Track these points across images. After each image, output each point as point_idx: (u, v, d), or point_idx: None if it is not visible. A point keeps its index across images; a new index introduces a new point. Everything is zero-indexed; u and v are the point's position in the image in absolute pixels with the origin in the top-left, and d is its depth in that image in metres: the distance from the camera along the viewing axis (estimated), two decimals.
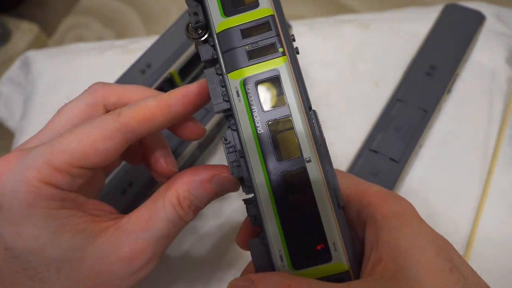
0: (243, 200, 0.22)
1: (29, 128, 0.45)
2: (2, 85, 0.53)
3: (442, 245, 0.20)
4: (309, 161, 0.20)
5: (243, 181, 0.22)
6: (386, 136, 0.36)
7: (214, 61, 0.22)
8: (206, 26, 0.22)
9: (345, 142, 0.40)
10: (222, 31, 0.21)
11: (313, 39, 0.47)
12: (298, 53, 0.22)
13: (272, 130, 0.21)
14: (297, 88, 0.21)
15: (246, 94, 0.21)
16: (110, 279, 0.21)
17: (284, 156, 0.20)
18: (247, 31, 0.21)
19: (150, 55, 0.42)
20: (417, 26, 0.46)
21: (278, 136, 0.21)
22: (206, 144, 0.39)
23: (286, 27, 0.22)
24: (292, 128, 0.20)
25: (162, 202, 0.22)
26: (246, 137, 0.21)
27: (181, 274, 0.35)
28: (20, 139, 0.45)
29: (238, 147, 0.21)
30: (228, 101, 0.21)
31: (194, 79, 0.43)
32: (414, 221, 0.21)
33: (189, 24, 0.23)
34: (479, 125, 0.40)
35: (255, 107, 0.21)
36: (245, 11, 0.21)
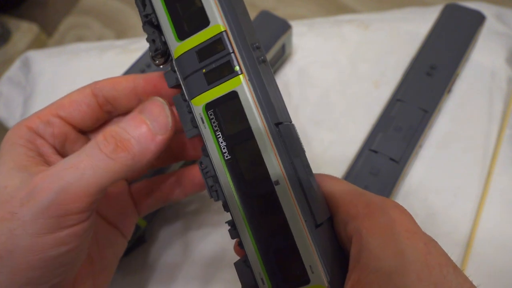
0: (226, 222, 0.21)
1: None
2: (2, 85, 0.53)
3: (432, 265, 0.17)
4: (277, 183, 0.19)
5: (225, 206, 0.21)
6: (386, 136, 0.36)
7: (179, 87, 0.22)
8: (166, 52, 0.21)
9: (345, 142, 0.40)
10: (179, 56, 0.21)
11: (313, 39, 0.47)
12: (264, 61, 0.21)
13: (238, 155, 0.20)
14: (258, 107, 0.19)
15: (210, 120, 0.20)
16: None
17: (252, 181, 0.20)
18: (202, 53, 0.20)
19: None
20: (417, 26, 0.46)
21: (245, 160, 0.20)
22: None
23: (247, 38, 0.20)
24: (258, 150, 0.19)
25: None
26: (216, 163, 0.20)
27: (181, 274, 0.35)
28: None
29: (213, 172, 0.21)
30: (197, 127, 0.21)
31: None
32: (401, 237, 0.18)
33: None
34: (479, 125, 0.40)
35: (219, 132, 0.20)
36: (197, 31, 0.20)
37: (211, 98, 0.20)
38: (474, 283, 0.18)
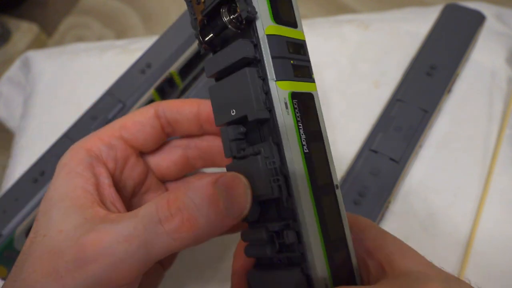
0: (249, 222, 0.20)
1: (29, 128, 0.45)
2: (2, 85, 0.53)
3: None
4: (337, 187, 0.20)
5: (280, 201, 0.19)
6: (386, 136, 0.36)
7: (248, 62, 0.20)
8: (250, 19, 0.20)
9: (345, 142, 0.40)
10: (272, 35, 0.20)
11: (313, 39, 0.47)
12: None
13: (314, 151, 0.20)
14: (321, 116, 0.21)
15: (294, 108, 0.19)
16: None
17: (321, 180, 0.20)
18: (292, 46, 0.20)
19: (150, 55, 0.42)
20: (417, 26, 0.46)
21: (318, 158, 0.20)
22: None
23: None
24: (325, 153, 0.20)
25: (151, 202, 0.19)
26: (293, 153, 0.19)
27: (181, 275, 0.35)
28: (20, 139, 0.45)
29: (278, 163, 0.19)
30: (271, 110, 0.19)
31: (194, 79, 0.44)
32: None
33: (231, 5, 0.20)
34: (479, 125, 0.40)
35: (300, 124, 0.19)
36: (288, 26, 0.20)
37: (297, 89, 0.20)
38: (473, 283, 0.18)
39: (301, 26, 0.21)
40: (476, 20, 0.41)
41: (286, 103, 0.19)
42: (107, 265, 0.17)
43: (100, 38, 1.10)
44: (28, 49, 0.83)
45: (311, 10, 1.06)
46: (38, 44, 1.06)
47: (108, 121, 0.38)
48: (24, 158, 0.43)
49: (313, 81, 0.21)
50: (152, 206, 0.18)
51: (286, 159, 0.19)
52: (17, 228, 0.34)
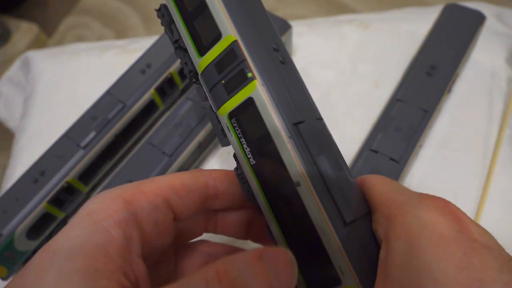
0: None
1: (29, 128, 0.45)
2: (2, 85, 0.53)
3: (466, 284, 0.14)
4: (298, 184, 0.19)
5: (259, 210, 0.21)
6: (386, 136, 0.36)
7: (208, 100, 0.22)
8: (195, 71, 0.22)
9: (345, 142, 0.40)
10: (203, 71, 0.21)
11: (313, 39, 0.47)
12: (284, 62, 0.21)
13: (262, 159, 0.20)
14: (274, 110, 0.19)
15: (234, 128, 0.20)
16: None
17: (278, 184, 0.20)
18: (219, 65, 0.21)
19: (150, 55, 0.42)
20: (417, 26, 0.46)
21: (269, 164, 0.20)
22: (206, 144, 0.39)
23: (262, 42, 0.21)
24: (278, 152, 0.19)
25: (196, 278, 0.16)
26: (244, 168, 0.21)
27: None
28: (20, 139, 0.45)
29: (243, 175, 0.21)
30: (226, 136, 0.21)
31: None
32: (429, 245, 0.15)
33: None
34: (479, 125, 0.40)
35: (243, 139, 0.20)
36: (213, 45, 0.21)
37: (232, 107, 0.20)
38: None
39: (226, 28, 0.20)
40: (476, 20, 0.41)
41: (227, 127, 0.21)
42: None
43: (100, 38, 1.10)
44: (28, 49, 0.83)
45: (311, 10, 1.06)
46: (38, 44, 1.06)
47: (108, 121, 0.38)
48: (24, 158, 0.43)
49: (250, 81, 0.20)
50: (200, 277, 0.15)
51: (244, 173, 0.21)
52: (17, 228, 0.34)
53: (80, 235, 0.16)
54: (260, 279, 0.16)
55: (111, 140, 0.39)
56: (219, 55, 0.20)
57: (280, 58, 0.21)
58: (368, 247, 0.19)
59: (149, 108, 0.41)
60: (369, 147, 0.35)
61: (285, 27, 0.41)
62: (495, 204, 0.36)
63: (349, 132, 0.41)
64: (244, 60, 0.20)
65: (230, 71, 0.20)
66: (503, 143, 0.38)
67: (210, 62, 0.21)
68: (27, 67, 0.52)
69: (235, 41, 0.20)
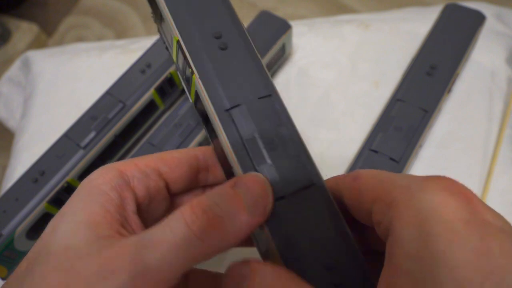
0: None
1: (29, 128, 0.45)
2: (2, 85, 0.53)
3: (487, 271, 0.13)
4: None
5: None
6: (386, 136, 0.36)
7: None
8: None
9: (345, 142, 0.40)
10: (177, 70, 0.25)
11: (313, 39, 0.47)
12: (225, 48, 0.22)
13: (214, 139, 0.21)
14: (207, 99, 0.20)
15: (199, 112, 0.23)
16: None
17: (223, 157, 0.21)
18: (183, 64, 0.22)
19: (150, 55, 0.42)
20: (417, 26, 0.46)
21: (216, 143, 0.21)
22: (206, 144, 0.39)
23: (204, 33, 0.22)
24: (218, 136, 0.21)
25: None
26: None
27: None
28: (20, 139, 0.45)
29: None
30: None
31: None
32: (440, 230, 0.14)
33: None
34: (479, 125, 0.40)
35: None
36: (172, 47, 0.23)
37: (194, 99, 0.22)
38: None
39: (172, 27, 0.22)
40: (476, 20, 0.41)
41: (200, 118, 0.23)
42: (134, 273, 0.16)
43: (100, 38, 1.10)
44: (28, 49, 0.83)
45: (311, 10, 1.06)
46: (38, 44, 1.06)
47: (108, 121, 0.38)
48: (24, 158, 0.43)
49: (191, 75, 0.21)
50: (177, 213, 0.17)
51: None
52: (17, 228, 0.34)
53: (80, 199, 0.19)
54: (233, 202, 0.18)
55: (111, 140, 0.39)
56: (177, 55, 0.22)
57: (221, 45, 0.22)
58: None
59: (149, 108, 0.41)
60: (369, 147, 0.35)
61: (285, 27, 0.41)
62: (495, 204, 0.36)
63: (349, 132, 0.41)
64: (185, 57, 0.21)
65: (186, 68, 0.22)
66: (503, 143, 0.38)
67: (177, 63, 0.23)
68: (27, 67, 0.52)
69: (178, 41, 0.21)
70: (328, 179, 0.21)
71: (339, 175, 0.21)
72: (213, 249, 0.17)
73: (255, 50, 0.22)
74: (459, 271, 0.13)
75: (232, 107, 0.20)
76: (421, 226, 0.14)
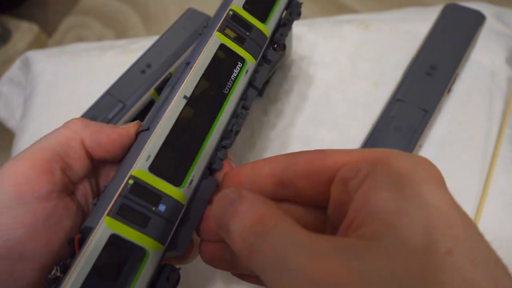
0: None
1: (29, 128, 0.45)
2: (2, 85, 0.53)
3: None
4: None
5: None
6: (386, 136, 0.36)
7: None
8: None
9: (345, 142, 0.40)
10: None
11: (313, 39, 0.47)
12: (188, 63, 0.27)
13: None
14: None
15: None
16: None
17: None
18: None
19: (150, 55, 0.42)
20: (417, 26, 0.46)
21: None
22: None
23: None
24: None
25: None
26: None
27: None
28: (20, 139, 0.45)
29: None
30: None
31: None
32: (424, 178, 0.16)
33: None
34: (479, 125, 0.40)
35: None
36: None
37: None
38: None
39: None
40: (476, 20, 0.41)
41: None
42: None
43: (100, 38, 1.10)
44: (28, 49, 0.83)
45: (311, 10, 1.06)
46: (38, 44, 1.06)
47: (108, 121, 0.38)
48: None
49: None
50: None
51: None
52: None
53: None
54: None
55: None
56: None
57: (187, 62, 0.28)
58: None
59: (149, 108, 0.41)
60: (369, 147, 0.35)
61: None
62: (495, 204, 0.36)
63: (349, 132, 0.41)
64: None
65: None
66: (503, 143, 0.38)
67: None
68: (27, 67, 0.52)
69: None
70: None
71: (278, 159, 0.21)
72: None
73: None
74: (441, 210, 0.15)
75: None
76: (403, 175, 0.16)
